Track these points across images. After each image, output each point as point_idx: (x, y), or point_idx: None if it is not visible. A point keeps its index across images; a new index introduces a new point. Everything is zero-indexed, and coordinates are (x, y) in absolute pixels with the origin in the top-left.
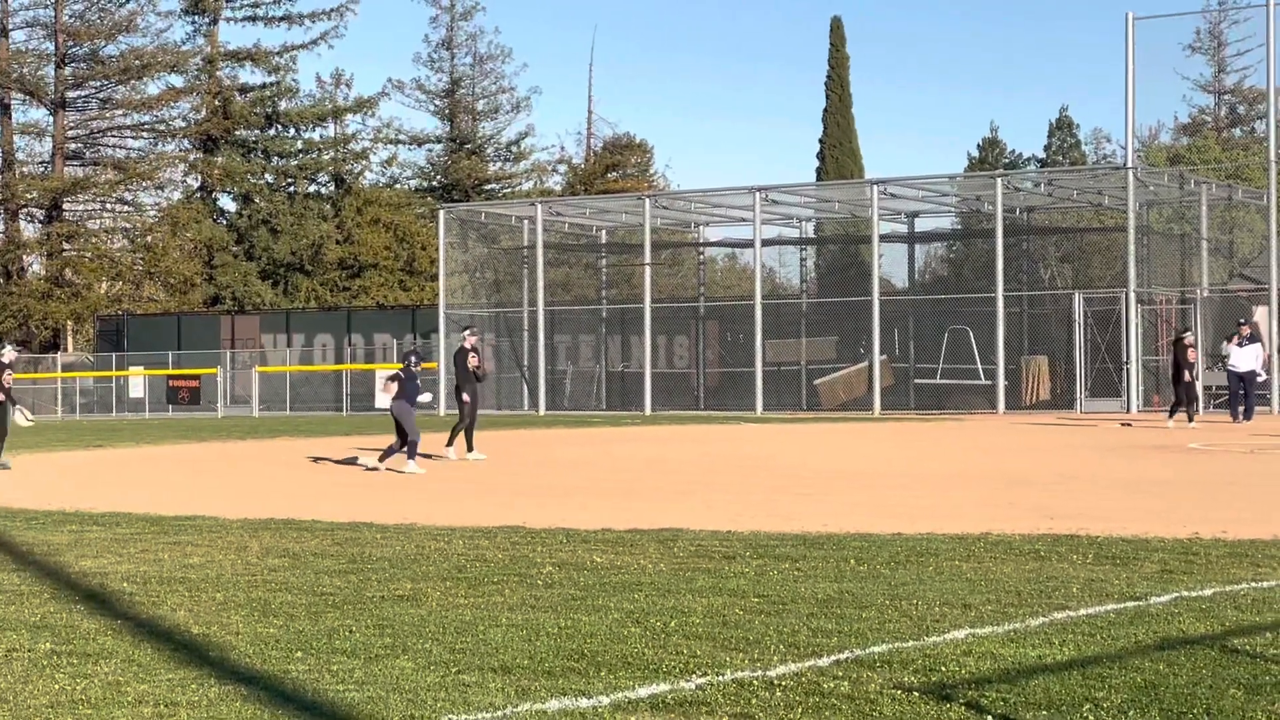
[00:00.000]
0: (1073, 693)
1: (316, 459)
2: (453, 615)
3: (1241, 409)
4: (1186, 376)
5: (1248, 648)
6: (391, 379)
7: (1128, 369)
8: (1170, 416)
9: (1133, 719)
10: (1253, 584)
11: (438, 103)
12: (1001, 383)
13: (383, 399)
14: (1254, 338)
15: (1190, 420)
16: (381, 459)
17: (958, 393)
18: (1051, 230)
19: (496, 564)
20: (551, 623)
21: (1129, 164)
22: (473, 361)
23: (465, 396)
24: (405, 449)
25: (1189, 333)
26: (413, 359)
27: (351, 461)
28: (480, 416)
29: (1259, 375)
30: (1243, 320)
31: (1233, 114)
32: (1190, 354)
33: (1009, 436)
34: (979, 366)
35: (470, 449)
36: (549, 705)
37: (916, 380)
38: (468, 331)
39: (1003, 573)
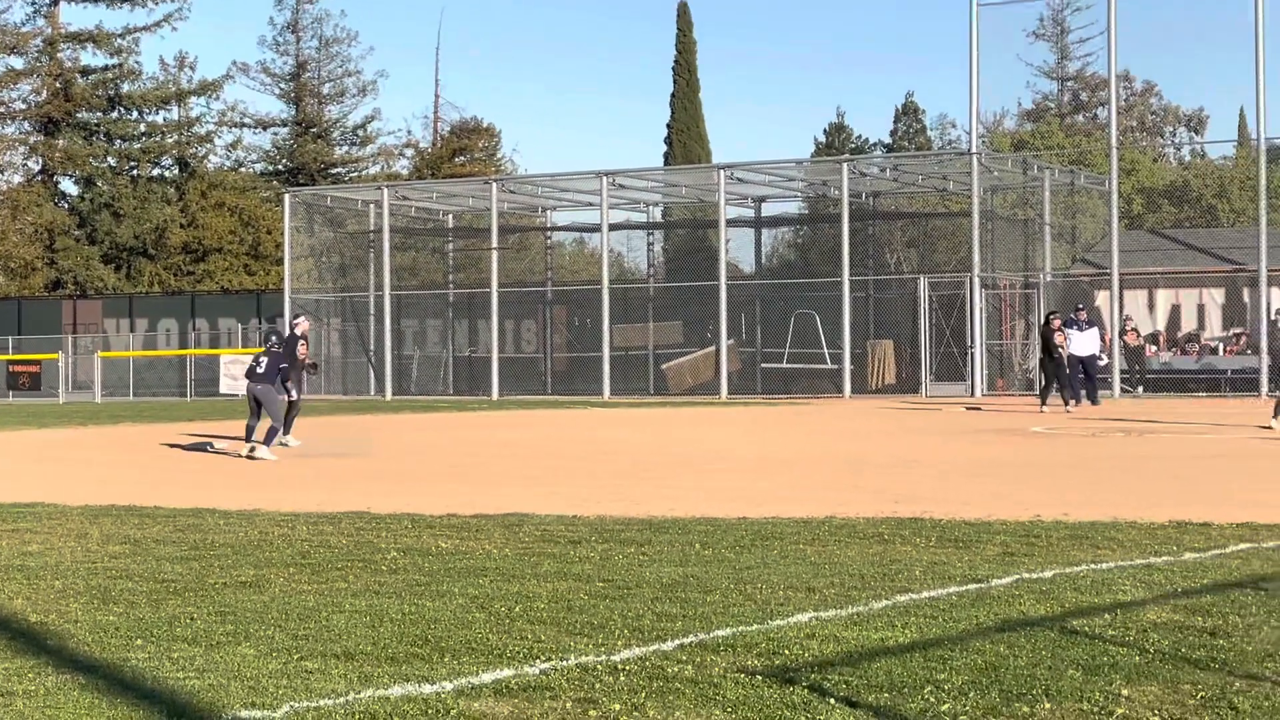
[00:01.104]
0: (914, 675)
1: (162, 444)
2: (296, 602)
3: (1084, 392)
4: (1058, 357)
5: (1086, 629)
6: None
7: (972, 353)
8: (1043, 402)
9: (973, 700)
10: (1092, 566)
11: (283, 86)
12: (848, 367)
13: (229, 384)
14: (1092, 322)
15: (1066, 404)
16: (247, 440)
17: (804, 377)
18: (897, 215)
19: (341, 550)
20: (395, 608)
21: (973, 149)
22: (303, 350)
23: (289, 384)
24: (267, 433)
25: (1057, 315)
26: (273, 340)
27: (201, 448)
28: (326, 402)
29: (1099, 359)
30: (1080, 305)
31: (1076, 100)
32: (1058, 337)
33: (854, 421)
34: (825, 351)
35: (286, 432)
36: (392, 691)
37: (763, 365)
38: (301, 319)
39: (846, 556)
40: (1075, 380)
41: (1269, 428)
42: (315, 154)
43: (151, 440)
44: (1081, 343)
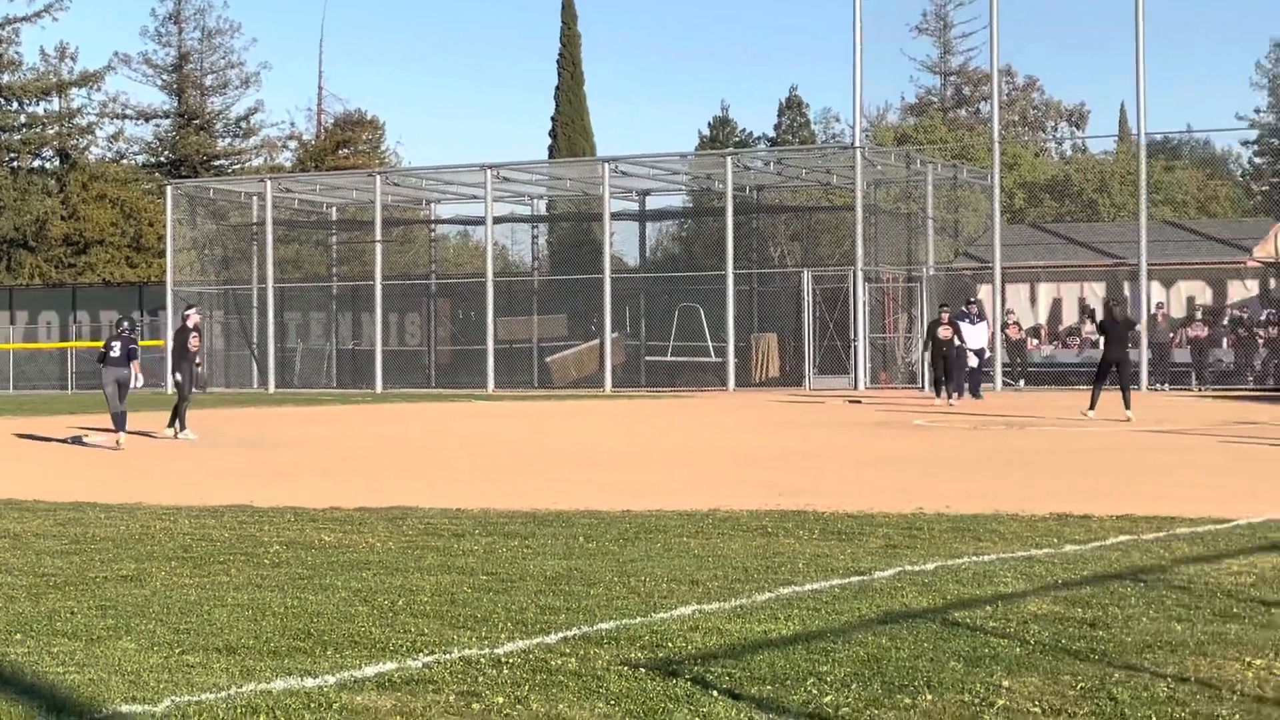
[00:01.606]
0: (797, 667)
1: (42, 438)
2: (177, 595)
3: (966, 386)
4: (946, 351)
5: (968, 620)
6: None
7: (855, 346)
8: (938, 395)
9: (855, 692)
10: (974, 558)
11: (165, 77)
12: (732, 360)
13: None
14: (982, 315)
15: (950, 398)
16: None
17: (688, 370)
18: (781, 209)
19: (223, 543)
20: (278, 602)
21: (856, 144)
22: (194, 342)
23: (179, 376)
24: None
25: (946, 309)
26: (124, 325)
27: (77, 440)
28: (208, 395)
29: (986, 352)
30: (972, 299)
31: (958, 95)
32: (943, 331)
33: (738, 413)
34: (709, 344)
35: (183, 428)
36: (274, 685)
37: (647, 358)
38: (192, 310)
39: (730, 549)
40: (963, 373)
41: (1085, 416)
42: (198, 146)
43: (32, 433)
44: (973, 336)
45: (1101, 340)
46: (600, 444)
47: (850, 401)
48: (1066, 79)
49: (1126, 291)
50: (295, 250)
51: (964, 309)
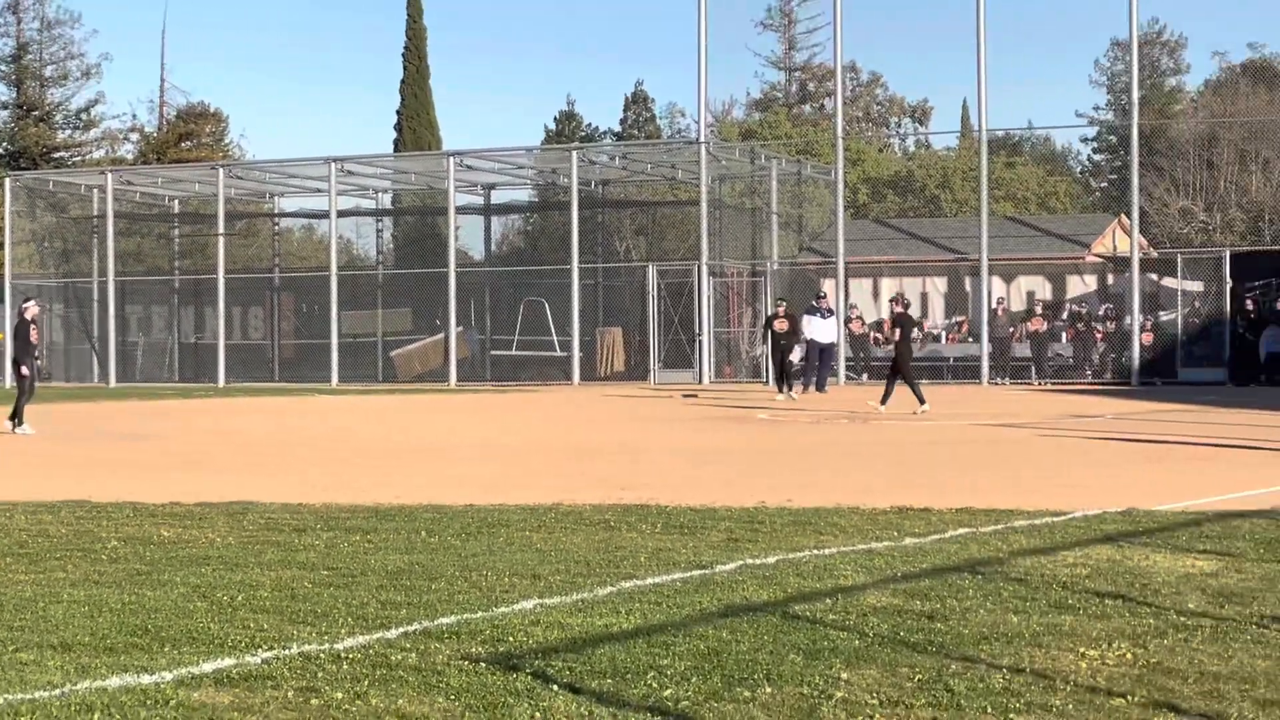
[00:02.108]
0: (638, 660)
1: None
2: (11, 592)
3: (814, 380)
4: (784, 344)
5: (808, 613)
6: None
7: (700, 340)
8: (780, 390)
9: (695, 685)
10: (815, 551)
11: (3, 68)
12: (576, 354)
13: None
14: (833, 310)
15: (790, 392)
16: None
17: (533, 364)
18: (626, 203)
19: (59, 539)
20: (115, 598)
21: (702, 139)
22: (34, 335)
23: (24, 370)
24: None
25: (784, 303)
26: None
27: None
28: (48, 389)
29: (834, 346)
30: (823, 293)
31: (803, 91)
32: (779, 324)
33: (583, 408)
34: (555, 338)
35: (20, 422)
36: (110, 682)
37: (493, 352)
38: (31, 303)
39: (573, 543)
40: (814, 367)
41: (877, 409)
42: (37, 137)
43: None
44: (824, 330)
45: (896, 336)
46: (444, 438)
47: (684, 396)
48: (910, 76)
49: (968, 287)
50: (137, 243)
51: (814, 303)
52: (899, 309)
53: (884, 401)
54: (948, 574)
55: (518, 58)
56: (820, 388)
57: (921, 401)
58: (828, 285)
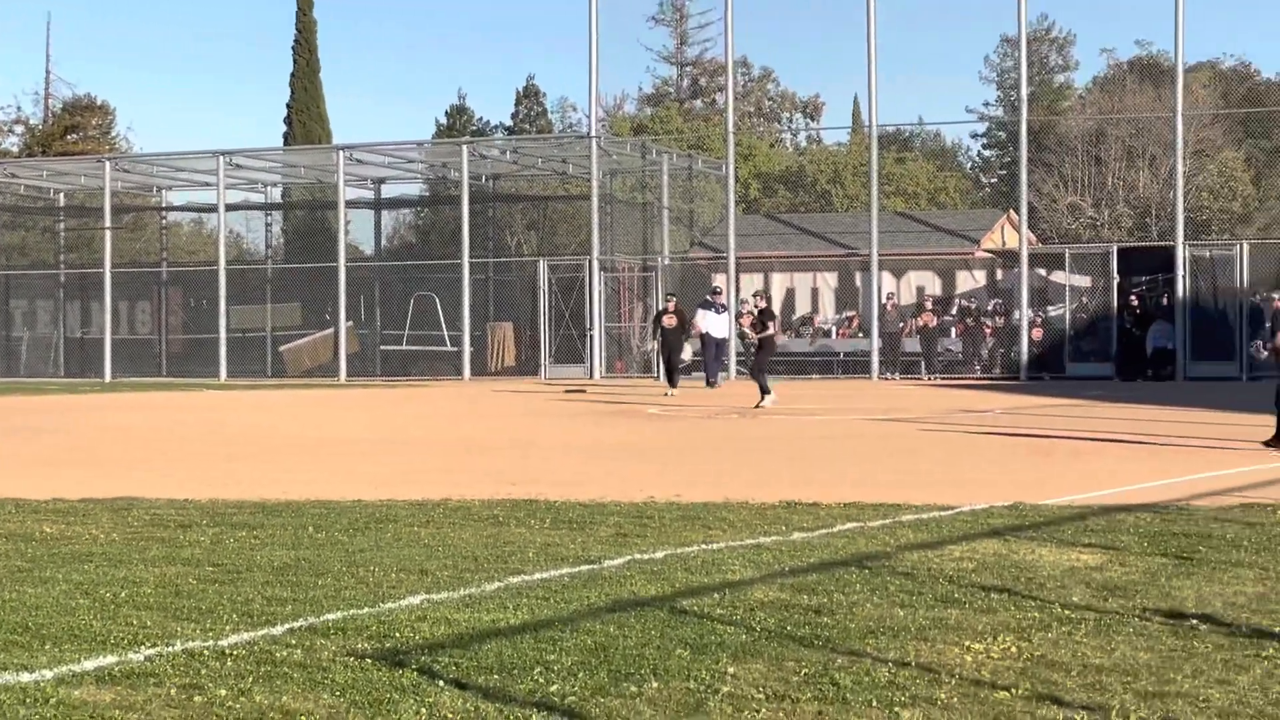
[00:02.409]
0: (524, 656)
1: None
2: None
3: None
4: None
5: (695, 608)
6: None
7: (591, 335)
8: (671, 386)
9: (582, 680)
10: (703, 546)
11: None
12: (467, 349)
13: None
14: (727, 305)
15: (673, 387)
16: None
17: (424, 359)
18: (518, 198)
19: None
20: None
21: (593, 133)
22: None
23: None
24: None
25: (674, 298)
26: None
27: None
28: None
29: (728, 341)
30: (719, 288)
31: (695, 86)
32: (668, 320)
33: (473, 403)
34: (445, 333)
35: None
36: None
37: (383, 347)
38: None
39: (461, 538)
40: (712, 362)
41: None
42: None
43: None
44: (718, 325)
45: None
46: (332, 434)
47: (569, 391)
48: (802, 71)
49: (858, 282)
50: (21, 237)
51: (708, 298)
52: (762, 304)
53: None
54: (835, 568)
55: (409, 51)
56: (711, 383)
57: (765, 393)
58: (719, 280)
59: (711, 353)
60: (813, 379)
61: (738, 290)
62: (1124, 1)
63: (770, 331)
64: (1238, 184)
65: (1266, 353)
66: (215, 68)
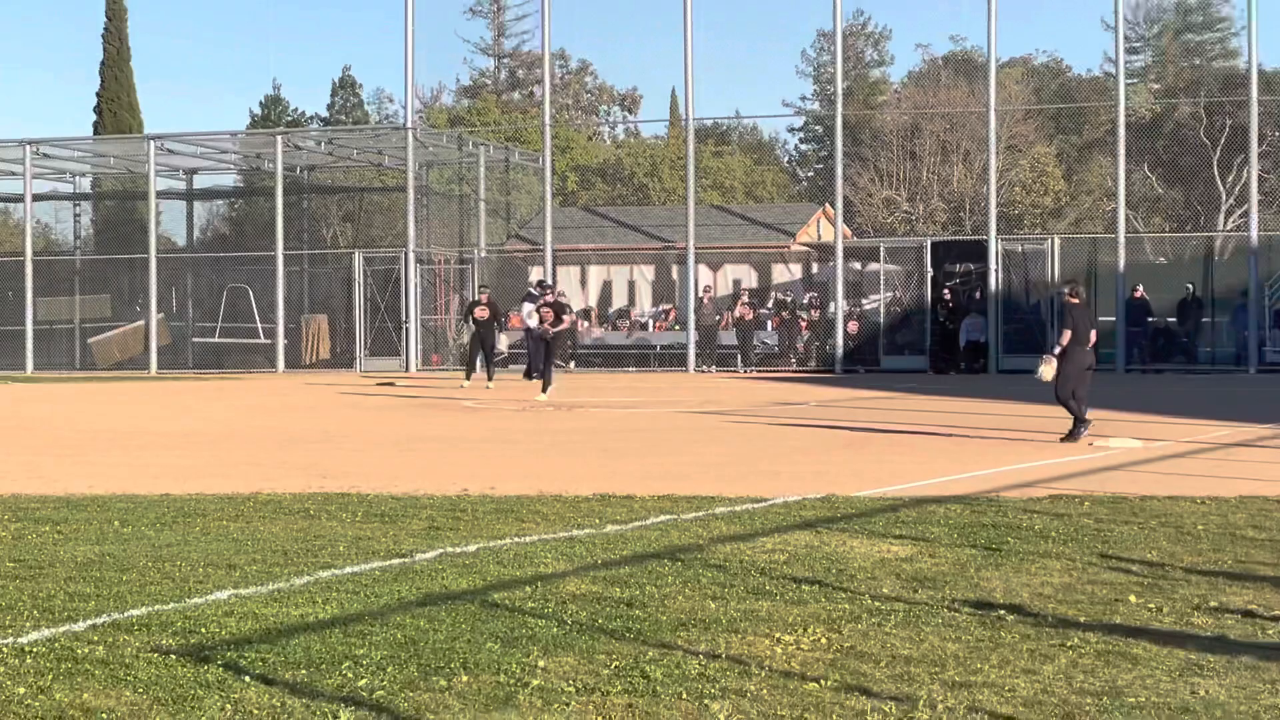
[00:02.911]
0: (333, 650)
1: None
2: None
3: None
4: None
5: (507, 601)
6: None
7: (407, 328)
8: (489, 377)
9: (391, 674)
10: (516, 539)
11: None
12: (281, 342)
13: None
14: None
15: (489, 380)
16: None
17: (236, 352)
18: (333, 189)
19: None
20: None
21: (409, 125)
22: None
23: None
24: None
25: (486, 290)
26: None
27: None
28: None
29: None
30: (544, 281)
31: (512, 78)
32: (479, 312)
33: (286, 396)
34: (259, 325)
35: None
36: None
37: (195, 339)
38: None
39: (271, 532)
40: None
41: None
42: None
43: None
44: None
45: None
46: (142, 427)
47: (379, 384)
48: (620, 64)
49: (675, 275)
50: None
51: (532, 290)
52: (550, 298)
53: (541, 389)
54: (648, 561)
55: (223, 41)
56: (529, 375)
57: (532, 375)
58: (535, 273)
59: (534, 346)
60: (629, 371)
61: (554, 283)
62: None
63: (564, 325)
64: (1049, 179)
65: (1056, 353)
66: (22, 55)
